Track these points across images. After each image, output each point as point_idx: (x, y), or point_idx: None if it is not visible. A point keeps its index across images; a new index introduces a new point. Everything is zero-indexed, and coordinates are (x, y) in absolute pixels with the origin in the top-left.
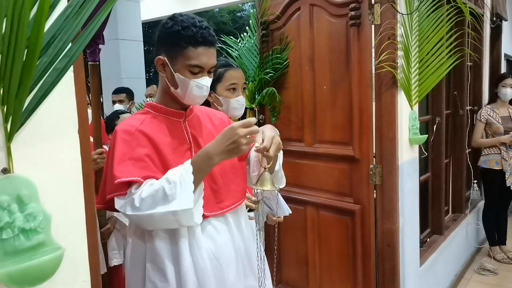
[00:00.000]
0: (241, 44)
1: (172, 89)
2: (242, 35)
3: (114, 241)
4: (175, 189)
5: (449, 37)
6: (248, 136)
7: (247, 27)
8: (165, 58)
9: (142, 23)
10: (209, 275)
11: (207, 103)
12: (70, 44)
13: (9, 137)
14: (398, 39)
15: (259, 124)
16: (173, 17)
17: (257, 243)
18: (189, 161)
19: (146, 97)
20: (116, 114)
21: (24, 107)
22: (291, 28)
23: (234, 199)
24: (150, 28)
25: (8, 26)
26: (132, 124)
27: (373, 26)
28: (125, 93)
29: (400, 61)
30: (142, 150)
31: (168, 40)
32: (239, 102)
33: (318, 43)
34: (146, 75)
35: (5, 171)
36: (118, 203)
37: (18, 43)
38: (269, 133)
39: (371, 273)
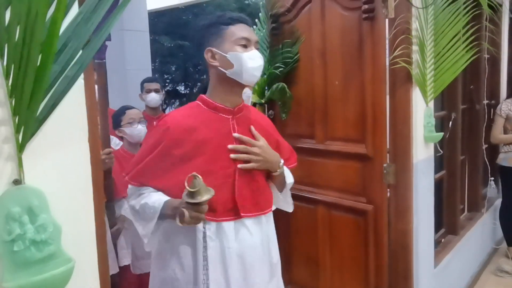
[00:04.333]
0: None
1: (228, 73)
2: (252, 28)
3: (123, 240)
4: (141, 216)
5: (466, 31)
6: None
7: (256, 20)
8: (212, 48)
9: (148, 13)
10: (237, 276)
11: None
12: (81, 51)
13: (21, 147)
14: (413, 33)
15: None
16: (203, 18)
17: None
18: (167, 200)
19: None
20: (123, 110)
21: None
22: (302, 21)
23: (268, 202)
24: (156, 17)
25: (21, 35)
26: (179, 120)
27: (387, 20)
28: (158, 82)
29: (415, 56)
30: (177, 152)
31: (208, 33)
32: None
33: (330, 37)
34: (152, 65)
35: (17, 182)
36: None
37: (31, 53)
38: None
39: (383, 274)
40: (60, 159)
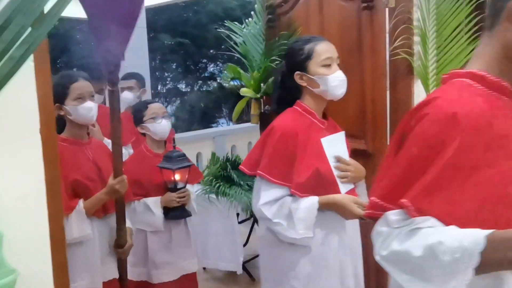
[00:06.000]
0: (246, 30)
1: None
2: (247, 20)
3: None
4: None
5: (469, 21)
6: None
7: (252, 12)
8: None
9: (146, 9)
10: None
11: (297, 90)
12: (30, 29)
13: None
14: (415, 23)
15: (264, 115)
16: None
17: None
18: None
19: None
20: (145, 104)
21: None
22: (299, 12)
23: None
24: (156, 14)
25: None
26: (471, 111)
27: (387, 9)
28: (135, 79)
29: (417, 48)
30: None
31: None
32: (338, 79)
33: (328, 28)
34: (152, 63)
35: None
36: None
37: None
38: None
39: (384, 272)
40: (5, 154)
